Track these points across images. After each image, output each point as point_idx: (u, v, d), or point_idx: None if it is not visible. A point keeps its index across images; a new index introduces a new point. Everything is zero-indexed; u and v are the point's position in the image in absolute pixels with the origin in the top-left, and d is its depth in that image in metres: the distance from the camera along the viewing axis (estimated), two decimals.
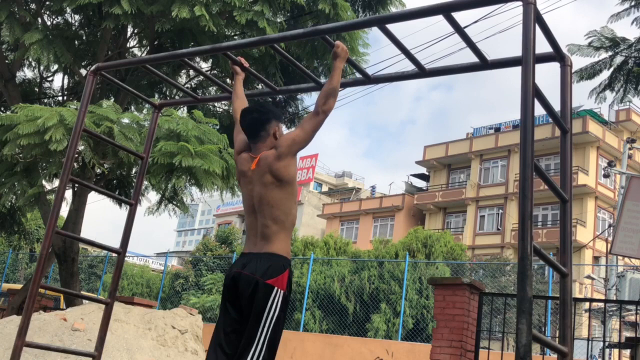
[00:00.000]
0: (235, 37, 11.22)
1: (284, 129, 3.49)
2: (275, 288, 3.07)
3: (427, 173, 39.58)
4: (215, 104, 12.84)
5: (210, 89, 12.74)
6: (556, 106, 2.89)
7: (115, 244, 4.31)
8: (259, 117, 3.32)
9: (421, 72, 3.62)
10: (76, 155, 8.00)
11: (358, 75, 3.86)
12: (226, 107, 12.98)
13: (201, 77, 12.40)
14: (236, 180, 3.50)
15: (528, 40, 2.44)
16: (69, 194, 11.37)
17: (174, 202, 11.65)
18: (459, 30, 3.13)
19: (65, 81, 13.18)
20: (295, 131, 3.28)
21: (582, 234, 29.21)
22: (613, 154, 30.97)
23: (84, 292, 16.53)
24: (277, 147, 3.23)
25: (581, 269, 25.53)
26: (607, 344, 7.04)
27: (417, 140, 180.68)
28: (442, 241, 21.44)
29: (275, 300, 3.06)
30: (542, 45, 2.69)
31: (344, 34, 10.43)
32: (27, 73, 13.79)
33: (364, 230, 38.88)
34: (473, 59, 3.42)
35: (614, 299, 16.05)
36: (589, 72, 13.53)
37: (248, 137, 3.37)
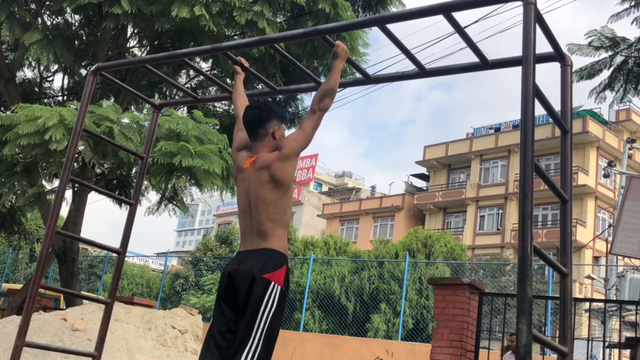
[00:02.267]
0: (235, 37, 11.22)
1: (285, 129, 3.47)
2: (272, 282, 3.01)
3: (427, 173, 39.58)
4: (215, 104, 12.84)
5: (210, 89, 12.74)
6: (556, 106, 2.89)
7: (115, 244, 4.30)
8: (260, 114, 3.30)
9: (421, 72, 3.62)
10: (76, 155, 8.00)
11: (358, 75, 3.86)
12: (226, 107, 12.97)
13: (201, 77, 12.40)
14: (234, 178, 3.45)
15: (528, 40, 2.44)
16: (69, 194, 11.38)
17: (174, 202, 11.64)
18: (459, 30, 3.13)
19: (65, 81, 13.18)
20: (295, 133, 3.27)
21: (582, 234, 29.21)
22: (613, 154, 30.97)
23: (84, 292, 16.53)
24: (279, 149, 3.21)
25: (581, 269, 25.53)
26: (607, 344, 7.04)
27: (417, 140, 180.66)
28: (442, 241, 21.46)
29: (272, 295, 3.00)
30: (542, 45, 2.69)
31: (344, 34, 10.42)
32: (27, 73, 13.79)
33: (364, 230, 38.88)
34: (473, 59, 3.42)
35: (614, 299, 16.05)
36: (589, 72, 13.53)
37: (248, 134, 3.36)
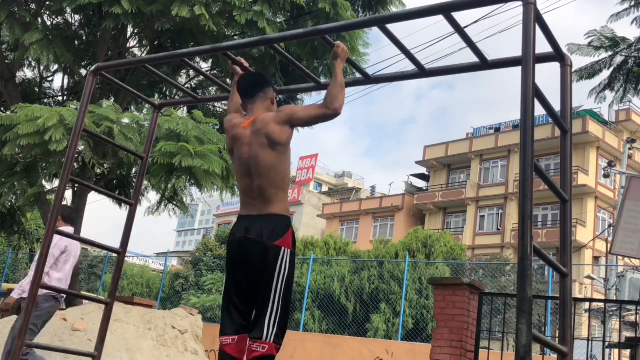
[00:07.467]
0: (235, 37, 11.23)
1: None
2: (283, 248, 3.18)
3: (427, 173, 39.58)
4: (215, 104, 12.84)
5: (210, 89, 12.74)
6: (556, 106, 2.88)
7: (115, 244, 4.30)
8: (259, 79, 3.47)
9: (421, 72, 3.61)
10: (76, 155, 8.00)
11: (358, 75, 3.86)
12: (226, 107, 12.96)
13: (201, 77, 12.40)
14: (228, 146, 3.52)
15: (528, 40, 2.44)
16: (69, 194, 11.39)
17: (174, 202, 11.65)
18: (459, 30, 3.12)
19: (65, 81, 13.19)
20: (300, 107, 3.40)
21: (582, 234, 29.20)
22: (613, 154, 30.96)
23: (84, 292, 16.52)
24: (278, 111, 3.33)
25: (581, 269, 25.53)
26: (607, 344, 7.04)
27: (417, 139, 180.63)
28: (442, 241, 21.44)
29: (284, 260, 3.18)
30: (542, 45, 2.69)
31: (344, 34, 10.43)
32: (27, 73, 13.81)
33: (364, 230, 38.87)
34: (473, 58, 3.42)
35: (614, 299, 16.04)
36: (589, 72, 13.51)
37: (245, 95, 3.44)
